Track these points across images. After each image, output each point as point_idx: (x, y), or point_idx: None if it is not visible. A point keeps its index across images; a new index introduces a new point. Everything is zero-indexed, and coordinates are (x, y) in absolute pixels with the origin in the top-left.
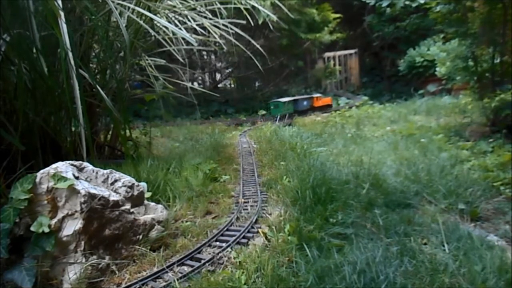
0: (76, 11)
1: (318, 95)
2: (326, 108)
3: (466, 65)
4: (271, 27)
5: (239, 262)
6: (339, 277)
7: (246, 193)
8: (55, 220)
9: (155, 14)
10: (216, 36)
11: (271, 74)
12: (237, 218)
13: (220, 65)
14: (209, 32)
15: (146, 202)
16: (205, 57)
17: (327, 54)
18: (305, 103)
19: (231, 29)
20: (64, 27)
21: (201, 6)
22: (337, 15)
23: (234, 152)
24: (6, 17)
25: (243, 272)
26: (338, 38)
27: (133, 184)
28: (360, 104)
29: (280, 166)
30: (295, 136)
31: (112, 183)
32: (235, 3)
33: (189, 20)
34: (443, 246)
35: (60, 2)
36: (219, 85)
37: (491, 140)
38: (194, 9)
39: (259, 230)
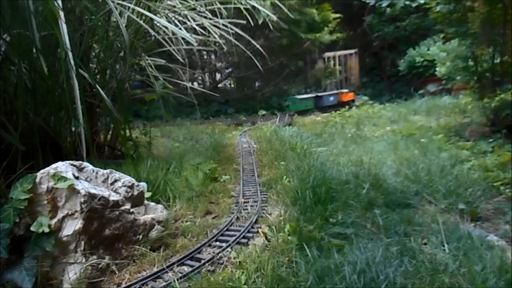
0: (76, 11)
1: (346, 90)
2: (350, 103)
3: (466, 65)
4: (271, 27)
5: (239, 262)
6: (339, 277)
7: (246, 193)
8: (55, 220)
9: (155, 14)
10: (216, 36)
11: (271, 74)
12: (237, 218)
13: (220, 65)
14: (209, 32)
15: (146, 202)
16: (205, 57)
17: (327, 54)
18: (331, 98)
19: (231, 29)
20: (64, 27)
21: (201, 6)
22: (337, 15)
23: (234, 152)
24: (6, 17)
25: (243, 272)
26: (338, 38)
27: (133, 184)
28: (360, 104)
29: (280, 166)
30: (295, 136)
31: (112, 183)
32: (235, 3)
33: (189, 20)
34: (443, 246)
35: (60, 2)
36: (219, 85)
37: (491, 140)
38: (194, 9)
39: (259, 230)
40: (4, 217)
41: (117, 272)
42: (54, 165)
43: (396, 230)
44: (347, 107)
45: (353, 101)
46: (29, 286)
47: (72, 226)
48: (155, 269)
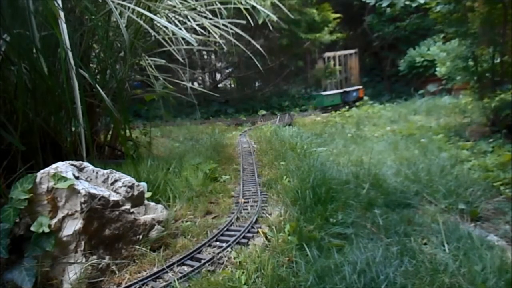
0: (76, 11)
1: (361, 87)
2: (361, 99)
3: (466, 65)
4: (271, 27)
5: (239, 262)
6: (339, 277)
7: (246, 193)
8: (55, 220)
9: (155, 14)
10: (216, 36)
11: (271, 74)
12: (237, 218)
13: (220, 65)
14: (209, 32)
15: (146, 202)
16: (205, 57)
17: (327, 54)
18: (354, 94)
19: (231, 29)
20: (64, 27)
21: (201, 6)
22: (337, 15)
23: (234, 152)
24: (6, 17)
25: (243, 272)
26: (338, 38)
27: (133, 184)
28: (360, 104)
29: (280, 166)
30: (295, 136)
31: (112, 183)
32: (235, 3)
33: (189, 20)
34: (443, 246)
35: (60, 2)
36: (219, 85)
37: (491, 140)
38: (194, 9)
39: (259, 230)
40: (4, 217)
41: (117, 272)
42: (54, 165)
43: (396, 230)
44: (347, 107)
45: (362, 97)
46: (29, 286)
47: (72, 226)
48: (155, 269)
